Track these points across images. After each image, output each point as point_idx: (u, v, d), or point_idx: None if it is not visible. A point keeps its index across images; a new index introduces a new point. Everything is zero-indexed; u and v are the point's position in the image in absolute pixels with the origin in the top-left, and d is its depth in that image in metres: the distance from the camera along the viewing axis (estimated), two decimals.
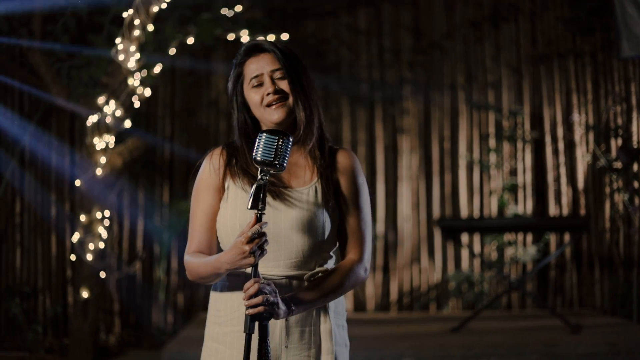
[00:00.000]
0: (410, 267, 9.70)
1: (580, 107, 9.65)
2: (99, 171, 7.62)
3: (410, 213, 9.76)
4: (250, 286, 2.63)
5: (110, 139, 7.60)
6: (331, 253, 2.93)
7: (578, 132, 9.60)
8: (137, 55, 7.12)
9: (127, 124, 7.50)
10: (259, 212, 2.65)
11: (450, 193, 9.77)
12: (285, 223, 2.79)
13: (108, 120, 7.35)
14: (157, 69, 7.85)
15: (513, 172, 9.70)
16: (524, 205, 9.64)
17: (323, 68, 9.87)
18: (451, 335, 7.49)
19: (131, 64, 7.13)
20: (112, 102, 7.30)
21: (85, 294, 7.89)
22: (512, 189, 9.58)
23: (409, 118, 9.87)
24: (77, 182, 7.70)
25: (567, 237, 9.34)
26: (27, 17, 7.68)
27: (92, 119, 7.48)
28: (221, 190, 2.89)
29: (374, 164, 9.88)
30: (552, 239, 9.51)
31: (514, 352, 6.60)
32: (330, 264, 2.91)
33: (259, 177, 2.68)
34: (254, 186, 2.66)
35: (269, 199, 2.80)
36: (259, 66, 2.88)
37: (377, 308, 9.66)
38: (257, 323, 2.66)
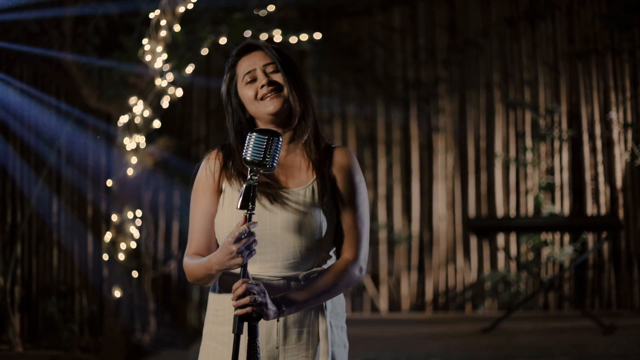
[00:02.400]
0: (445, 266, 9.63)
1: (618, 104, 9.50)
2: (130, 171, 7.67)
3: (446, 212, 9.68)
4: (239, 287, 2.62)
5: (141, 139, 7.64)
6: (330, 253, 2.89)
7: (616, 130, 9.45)
8: (164, 56, 7.15)
9: (156, 124, 7.54)
10: (249, 212, 2.64)
11: (485, 192, 9.68)
12: (281, 224, 2.78)
13: (137, 120, 7.39)
14: (189, 69, 7.88)
15: (550, 171, 9.57)
16: (561, 205, 9.51)
17: (357, 67, 9.83)
18: (481, 336, 7.41)
19: (158, 64, 7.16)
20: (141, 103, 7.34)
21: (117, 294, 7.95)
22: (548, 187, 9.46)
23: (444, 117, 9.80)
24: (109, 183, 7.76)
25: (604, 237, 9.20)
26: (58, 18, 7.75)
27: (123, 119, 7.53)
28: (218, 192, 2.89)
29: (409, 163, 9.82)
30: (590, 238, 9.37)
31: (543, 354, 6.51)
32: (330, 264, 2.89)
33: (249, 177, 2.66)
34: (244, 186, 2.65)
35: (265, 200, 2.79)
36: (251, 62, 2.88)
37: (412, 308, 9.61)
38: (246, 323, 2.64)
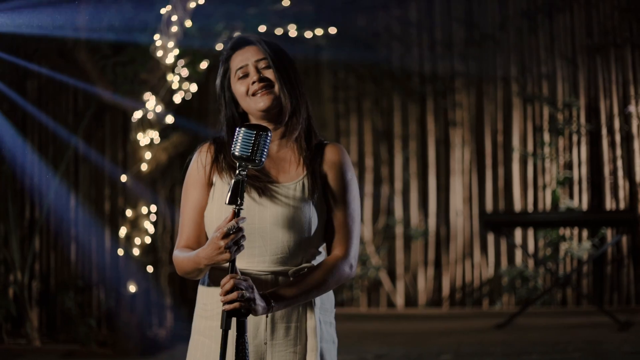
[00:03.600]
0: (462, 262, 9.59)
1: (637, 98, 9.40)
2: (144, 167, 7.69)
3: (462, 207, 9.64)
4: (226, 282, 2.61)
5: (155, 135, 7.66)
6: (320, 249, 2.88)
7: (635, 124, 9.35)
8: (176, 51, 7.16)
9: (169, 119, 7.55)
10: (237, 207, 2.63)
11: (503, 187, 9.62)
12: (270, 218, 2.76)
13: (150, 116, 7.40)
14: (204, 64, 7.88)
15: (568, 166, 9.50)
16: (579, 199, 9.44)
17: (374, 61, 9.79)
18: (495, 332, 7.38)
19: (170, 60, 7.17)
20: (153, 98, 7.36)
21: (132, 289, 7.97)
22: (565, 182, 9.39)
23: (461, 111, 9.75)
24: (123, 178, 7.78)
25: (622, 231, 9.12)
26: (73, 13, 7.77)
27: (137, 115, 7.55)
28: (209, 185, 2.88)
29: (425, 157, 9.78)
30: (609, 234, 9.29)
31: (556, 350, 6.46)
32: (319, 260, 2.87)
33: (237, 172, 2.65)
34: (232, 181, 2.64)
35: (254, 194, 2.78)
36: (243, 57, 2.86)
37: (428, 303, 9.58)
38: (234, 319, 2.63)
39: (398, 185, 9.84)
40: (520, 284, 9.37)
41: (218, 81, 2.93)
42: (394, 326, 8.24)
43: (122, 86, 7.77)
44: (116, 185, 9.12)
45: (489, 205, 9.57)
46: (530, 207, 9.49)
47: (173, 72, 7.43)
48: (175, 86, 7.68)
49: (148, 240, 7.93)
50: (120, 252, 8.15)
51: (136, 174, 7.80)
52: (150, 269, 8.09)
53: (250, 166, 2.66)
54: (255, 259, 2.78)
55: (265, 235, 2.76)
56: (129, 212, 7.83)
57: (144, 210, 7.88)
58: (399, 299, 9.68)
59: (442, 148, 9.76)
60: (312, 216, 2.79)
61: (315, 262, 2.84)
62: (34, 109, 8.73)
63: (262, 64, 2.85)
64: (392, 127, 9.88)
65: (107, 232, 9.16)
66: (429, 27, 9.88)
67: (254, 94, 2.83)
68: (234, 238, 2.59)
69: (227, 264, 2.67)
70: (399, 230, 9.78)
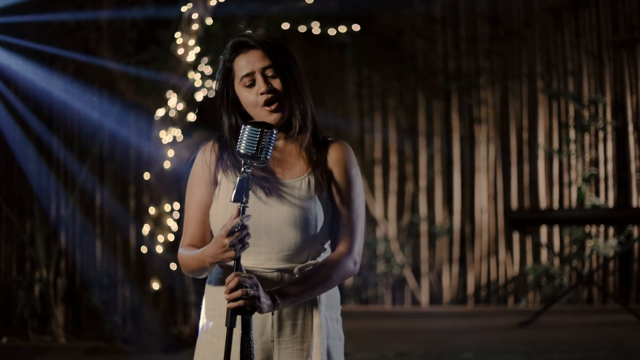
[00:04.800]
0: (487, 259, 9.54)
1: None
2: (167, 164, 7.72)
3: (487, 205, 9.59)
4: (231, 280, 2.61)
5: (177, 133, 7.68)
6: (325, 246, 2.87)
7: None
8: (197, 49, 7.17)
9: (191, 117, 7.57)
10: (242, 205, 2.63)
11: (528, 184, 9.56)
12: (276, 216, 2.76)
13: (172, 114, 7.43)
14: None
15: (594, 162, 9.42)
16: (605, 196, 9.35)
17: (398, 58, 9.77)
18: (518, 330, 7.33)
19: (190, 57, 7.18)
20: (174, 96, 7.38)
21: (155, 286, 8.01)
22: (591, 179, 9.30)
23: (486, 108, 9.70)
24: (146, 176, 7.81)
25: None
26: (95, 12, 7.82)
27: (159, 112, 7.58)
28: (214, 184, 2.88)
29: (450, 155, 9.74)
30: (636, 231, 9.20)
31: (579, 348, 6.40)
32: (324, 257, 2.87)
33: (242, 169, 2.65)
34: (237, 179, 2.64)
35: (260, 192, 2.78)
36: (249, 63, 2.83)
37: (453, 301, 9.54)
38: (239, 317, 2.63)
39: (422, 182, 9.80)
40: (546, 282, 9.31)
41: (219, 81, 2.91)
42: (417, 324, 8.21)
43: (144, 84, 7.81)
44: (142, 183, 9.16)
45: (514, 203, 9.51)
46: (555, 205, 9.42)
47: (194, 69, 7.45)
48: (198, 84, 7.69)
49: (171, 237, 7.95)
50: (144, 249, 8.18)
51: (159, 171, 7.83)
52: (173, 266, 8.12)
53: (255, 164, 2.66)
54: (262, 256, 2.78)
55: (271, 233, 2.76)
56: (152, 210, 7.86)
57: (167, 207, 7.91)
58: (424, 297, 9.65)
59: (467, 145, 9.72)
60: (318, 213, 2.79)
61: (320, 259, 2.84)
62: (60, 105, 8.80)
63: (269, 72, 2.82)
64: (416, 124, 9.85)
65: (132, 229, 9.21)
66: (454, 23, 9.84)
67: (263, 105, 2.82)
68: (239, 236, 2.60)
69: (232, 262, 2.67)
70: (423, 227, 9.75)
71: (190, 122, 7.74)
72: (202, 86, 7.75)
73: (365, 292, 9.79)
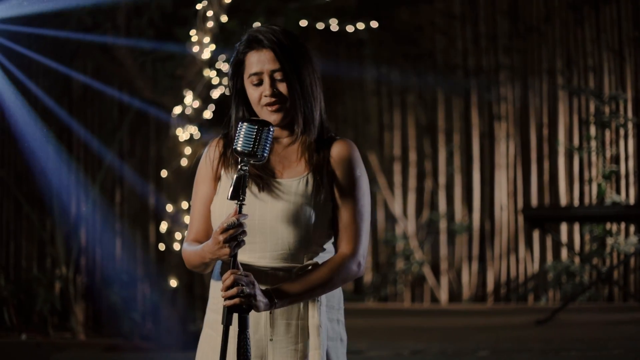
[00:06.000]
0: (507, 257, 9.49)
1: None
2: (184, 162, 7.73)
3: (507, 202, 9.53)
4: (227, 277, 2.62)
5: (194, 130, 7.70)
6: (324, 246, 2.85)
7: None
8: (212, 47, 7.18)
9: (207, 114, 7.58)
10: (239, 202, 2.63)
11: (548, 181, 9.49)
12: (270, 214, 2.75)
13: (188, 111, 7.44)
14: None
15: (615, 159, 9.33)
16: (627, 193, 9.27)
17: (417, 55, 9.74)
18: (535, 328, 7.28)
19: (206, 55, 7.19)
20: (190, 94, 7.39)
21: (173, 283, 8.03)
22: (611, 176, 9.21)
23: (506, 105, 9.65)
24: (163, 173, 7.84)
25: None
26: (112, 11, 7.84)
27: (176, 110, 7.60)
28: (216, 180, 2.89)
29: (469, 151, 9.70)
30: None
31: (596, 347, 6.35)
32: (324, 259, 2.84)
33: (239, 167, 2.65)
34: (235, 176, 2.64)
35: (255, 190, 2.77)
36: (259, 62, 2.81)
37: (472, 299, 9.49)
38: (236, 315, 2.63)
39: (442, 179, 9.77)
40: (566, 280, 9.24)
41: (230, 69, 2.91)
42: (434, 322, 8.18)
43: (161, 82, 7.82)
44: (161, 181, 9.19)
45: (534, 200, 9.46)
46: (576, 202, 9.35)
47: (210, 67, 7.45)
48: (215, 81, 7.70)
49: None
50: (162, 246, 8.21)
51: (176, 169, 7.85)
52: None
53: (252, 161, 2.66)
54: (256, 254, 2.78)
55: (265, 231, 2.75)
56: (169, 207, 7.88)
57: (185, 205, 7.93)
58: (443, 295, 9.61)
59: (487, 142, 9.67)
60: (314, 213, 2.77)
61: (320, 261, 2.82)
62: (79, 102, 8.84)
63: (277, 75, 2.81)
64: (435, 121, 9.81)
65: (152, 226, 9.25)
66: (473, 19, 9.79)
67: (265, 105, 2.82)
68: (233, 233, 2.60)
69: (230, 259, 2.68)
70: (442, 225, 9.72)
71: (207, 120, 7.75)
72: (220, 84, 7.76)
73: (384, 290, 9.77)
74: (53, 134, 8.64)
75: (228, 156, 2.88)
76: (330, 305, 2.87)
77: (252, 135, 2.65)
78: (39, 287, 8.66)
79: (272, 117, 2.81)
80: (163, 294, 8.23)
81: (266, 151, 2.65)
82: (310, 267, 2.79)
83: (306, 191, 2.78)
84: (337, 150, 2.86)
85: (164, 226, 8.00)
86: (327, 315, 2.85)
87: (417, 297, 9.72)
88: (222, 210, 2.79)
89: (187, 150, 7.79)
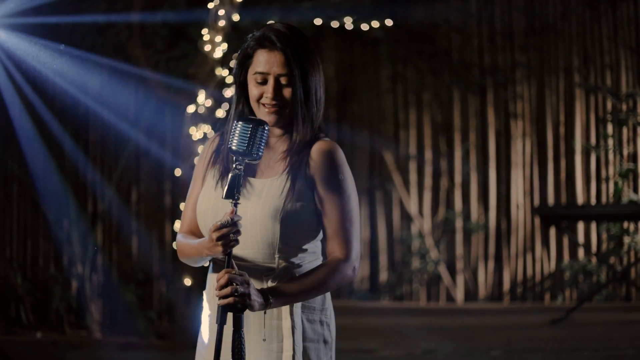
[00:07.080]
0: (523, 256, 9.44)
1: None
2: (196, 161, 7.74)
3: (523, 200, 9.49)
4: (221, 277, 2.62)
5: (207, 129, 7.71)
6: (304, 247, 2.82)
7: None
8: (224, 46, 7.18)
9: (220, 113, 7.59)
10: (234, 201, 2.63)
11: (564, 180, 9.44)
12: (249, 212, 2.74)
13: (201, 110, 7.46)
14: None
15: (632, 158, 9.26)
16: None
17: (432, 53, 9.70)
18: (549, 328, 7.24)
19: (217, 54, 7.20)
20: (202, 92, 7.41)
21: (187, 282, 8.05)
22: (628, 174, 9.14)
23: (522, 103, 9.60)
24: (177, 172, 7.86)
25: None
26: (127, 10, 7.86)
27: (189, 109, 7.61)
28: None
29: (486, 150, 9.66)
30: None
31: (610, 347, 6.31)
32: (307, 260, 2.82)
33: (234, 166, 2.64)
34: (230, 176, 2.64)
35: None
36: (267, 63, 2.78)
37: (489, 298, 9.45)
38: (230, 314, 2.63)
39: (458, 178, 9.73)
40: (583, 279, 9.18)
41: (236, 60, 2.90)
42: (449, 321, 8.15)
43: (174, 81, 7.84)
44: (177, 179, 9.21)
45: (550, 199, 9.40)
46: (593, 200, 9.29)
47: (222, 66, 7.46)
48: (229, 80, 7.70)
49: None
50: (175, 245, 8.21)
51: (190, 168, 7.86)
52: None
53: (247, 160, 2.66)
54: (237, 251, 2.77)
55: (243, 230, 2.73)
56: (182, 206, 7.90)
57: None
58: (459, 294, 9.58)
59: (503, 140, 9.63)
60: (285, 213, 2.74)
61: (301, 262, 2.80)
62: (95, 104, 8.87)
63: (283, 80, 2.78)
64: (451, 119, 9.78)
65: (168, 225, 9.27)
66: (489, 17, 9.74)
67: (264, 105, 2.81)
68: (226, 232, 2.60)
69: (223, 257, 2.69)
70: (458, 223, 9.68)
71: (220, 118, 7.75)
72: (233, 83, 7.76)
73: (400, 289, 9.75)
74: (69, 132, 8.69)
75: (220, 153, 2.88)
76: (310, 306, 2.85)
77: (247, 134, 2.65)
78: (55, 285, 8.71)
79: (269, 118, 2.79)
80: (178, 292, 8.25)
81: (261, 150, 2.65)
82: (288, 269, 2.77)
83: (281, 192, 2.75)
84: (316, 151, 2.82)
85: (177, 224, 8.02)
86: (305, 316, 2.83)
87: (433, 296, 9.70)
88: (201, 204, 2.83)
89: (201, 149, 7.79)
